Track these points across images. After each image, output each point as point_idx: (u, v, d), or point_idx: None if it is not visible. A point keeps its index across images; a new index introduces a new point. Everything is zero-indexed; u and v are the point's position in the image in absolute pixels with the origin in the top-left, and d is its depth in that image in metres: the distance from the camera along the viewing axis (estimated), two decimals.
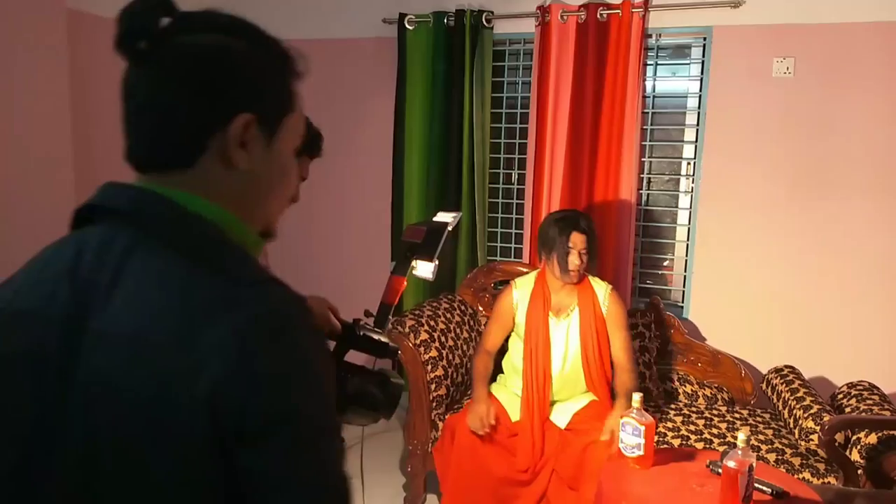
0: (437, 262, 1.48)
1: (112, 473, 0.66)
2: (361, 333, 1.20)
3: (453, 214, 1.57)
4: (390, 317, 1.37)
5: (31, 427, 0.69)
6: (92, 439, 0.66)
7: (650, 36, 3.27)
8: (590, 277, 2.79)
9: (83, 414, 0.66)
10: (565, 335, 2.74)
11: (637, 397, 2.20)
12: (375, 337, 1.21)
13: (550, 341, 2.72)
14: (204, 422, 0.63)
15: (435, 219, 1.53)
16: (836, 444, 2.46)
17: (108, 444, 0.66)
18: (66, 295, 0.69)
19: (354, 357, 1.17)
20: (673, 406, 3.02)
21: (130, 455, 0.65)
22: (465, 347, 3.14)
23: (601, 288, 2.78)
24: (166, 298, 0.66)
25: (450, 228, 1.52)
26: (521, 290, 2.84)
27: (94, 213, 0.74)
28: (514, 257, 3.68)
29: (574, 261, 2.67)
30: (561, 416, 2.67)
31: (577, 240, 2.67)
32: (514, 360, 2.83)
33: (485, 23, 3.41)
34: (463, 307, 3.32)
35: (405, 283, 1.42)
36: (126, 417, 0.65)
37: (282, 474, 0.66)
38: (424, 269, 1.48)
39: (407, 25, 3.53)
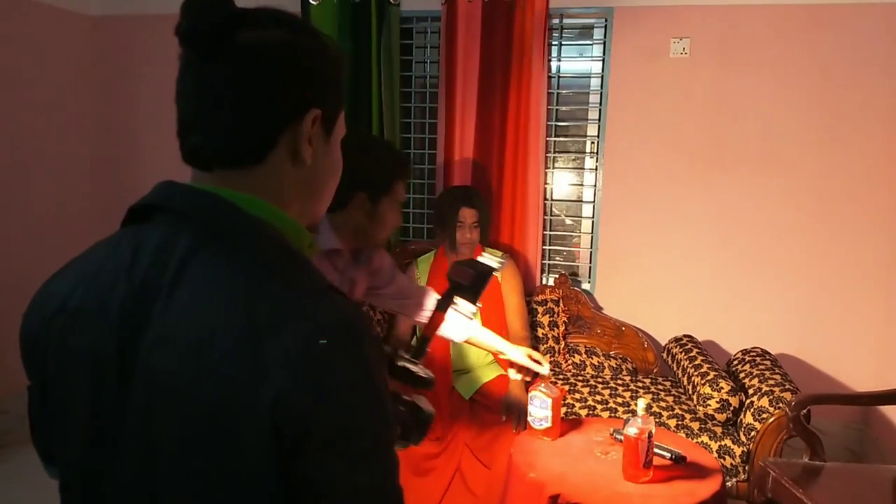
0: (479, 305, 1.59)
1: (170, 475, 0.66)
2: (399, 364, 1.23)
3: (500, 260, 1.64)
4: (427, 349, 1.40)
5: (91, 424, 0.70)
6: (151, 440, 0.66)
7: (553, 16, 3.30)
8: (485, 249, 2.88)
9: (142, 415, 0.66)
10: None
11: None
12: (413, 369, 1.23)
13: None
14: (266, 430, 0.62)
15: (482, 260, 1.59)
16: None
17: (167, 446, 0.65)
18: (123, 295, 0.69)
19: None
20: (580, 377, 3.10)
21: (189, 459, 0.65)
22: (376, 329, 3.12)
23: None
24: (229, 305, 0.65)
25: (496, 274, 1.62)
26: (422, 267, 2.95)
27: (150, 212, 0.73)
28: (427, 238, 3.68)
29: (465, 234, 2.80)
30: (465, 387, 2.71)
31: (466, 214, 2.80)
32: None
33: None
34: None
35: (444, 319, 1.50)
36: (186, 421, 0.64)
37: (343, 484, 0.66)
38: (466, 308, 1.60)
39: (311, 0, 3.43)
